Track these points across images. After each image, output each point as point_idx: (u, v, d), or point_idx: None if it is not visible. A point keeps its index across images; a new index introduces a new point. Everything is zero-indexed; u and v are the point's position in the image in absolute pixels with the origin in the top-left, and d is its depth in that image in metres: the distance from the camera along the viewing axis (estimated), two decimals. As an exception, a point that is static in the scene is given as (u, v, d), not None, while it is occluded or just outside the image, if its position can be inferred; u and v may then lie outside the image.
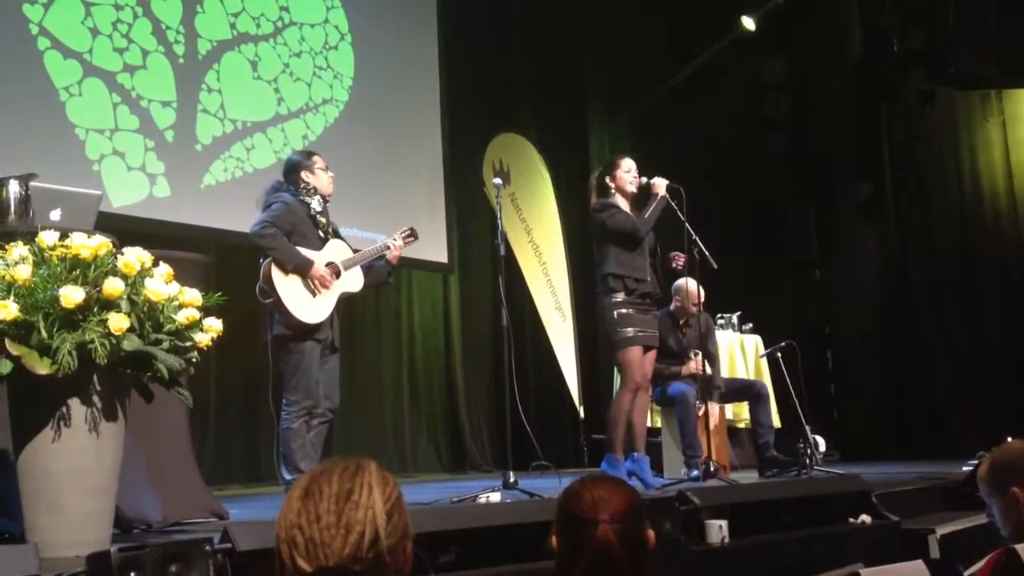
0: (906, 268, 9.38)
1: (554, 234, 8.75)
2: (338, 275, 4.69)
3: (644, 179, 5.50)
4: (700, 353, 6.01)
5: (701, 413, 5.83)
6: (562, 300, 8.70)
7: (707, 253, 5.54)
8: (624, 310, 5.31)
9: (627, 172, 5.48)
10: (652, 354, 5.49)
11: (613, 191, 5.45)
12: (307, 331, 4.57)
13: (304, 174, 4.75)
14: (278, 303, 4.52)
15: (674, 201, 5.49)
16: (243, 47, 7.10)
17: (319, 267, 4.60)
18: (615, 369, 7.08)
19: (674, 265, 5.59)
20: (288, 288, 4.54)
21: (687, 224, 5.49)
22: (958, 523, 4.70)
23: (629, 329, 5.30)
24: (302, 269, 4.56)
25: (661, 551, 2.03)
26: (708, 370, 5.99)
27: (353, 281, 4.79)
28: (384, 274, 4.98)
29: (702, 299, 6.00)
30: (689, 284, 6.00)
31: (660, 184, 5.47)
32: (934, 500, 5.40)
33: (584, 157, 9.43)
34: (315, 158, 4.82)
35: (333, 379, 4.73)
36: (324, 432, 4.69)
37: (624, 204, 5.47)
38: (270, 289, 4.52)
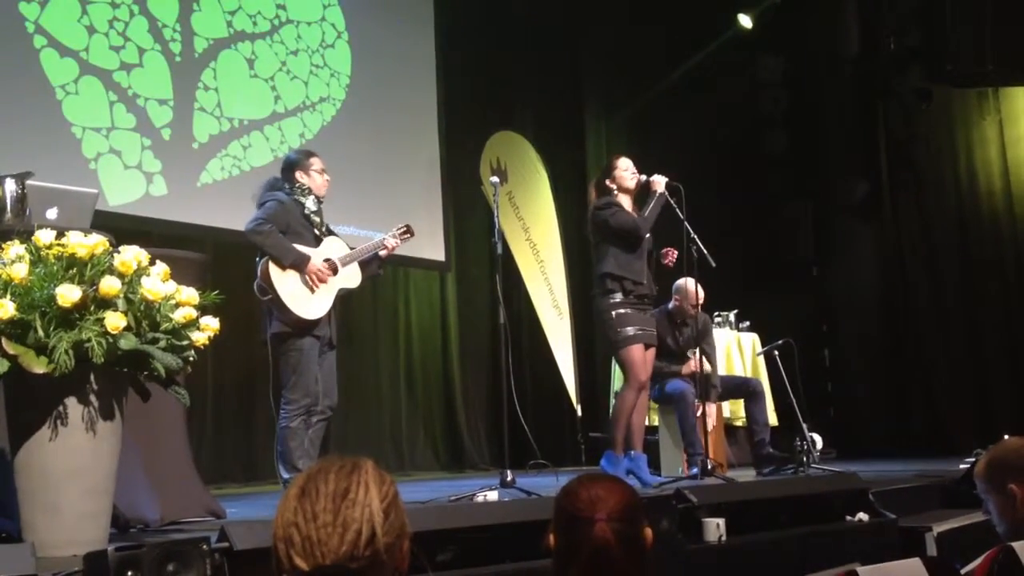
0: (903, 266, 9.39)
1: (551, 232, 8.75)
2: (335, 271, 4.70)
3: (643, 176, 5.50)
4: (698, 352, 6.02)
5: (699, 413, 5.84)
6: (559, 298, 8.71)
7: (705, 251, 5.54)
8: (622, 310, 5.32)
9: (625, 170, 5.49)
10: (652, 352, 5.50)
11: (615, 191, 5.46)
12: (306, 327, 4.57)
13: (299, 174, 4.76)
14: (276, 300, 4.52)
15: (673, 198, 5.49)
16: (240, 45, 7.09)
17: (316, 262, 4.62)
18: (613, 368, 7.12)
19: (666, 262, 5.56)
20: (286, 284, 4.54)
21: (686, 222, 5.48)
22: (955, 521, 4.71)
23: (630, 328, 5.31)
24: (299, 265, 4.57)
25: (658, 549, 2.03)
26: (707, 367, 6.01)
27: (351, 277, 4.80)
28: (375, 267, 5.01)
29: (701, 300, 6.01)
30: (689, 284, 6.00)
31: (660, 181, 5.48)
32: (931, 498, 5.41)
33: (581, 155, 9.43)
34: (313, 160, 4.82)
35: (331, 377, 4.74)
36: (322, 430, 4.69)
37: (627, 201, 5.48)
38: (268, 286, 4.52)
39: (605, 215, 5.39)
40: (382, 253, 4.94)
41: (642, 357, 5.33)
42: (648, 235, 5.47)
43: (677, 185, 5.49)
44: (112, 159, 6.26)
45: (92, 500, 2.98)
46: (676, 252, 5.53)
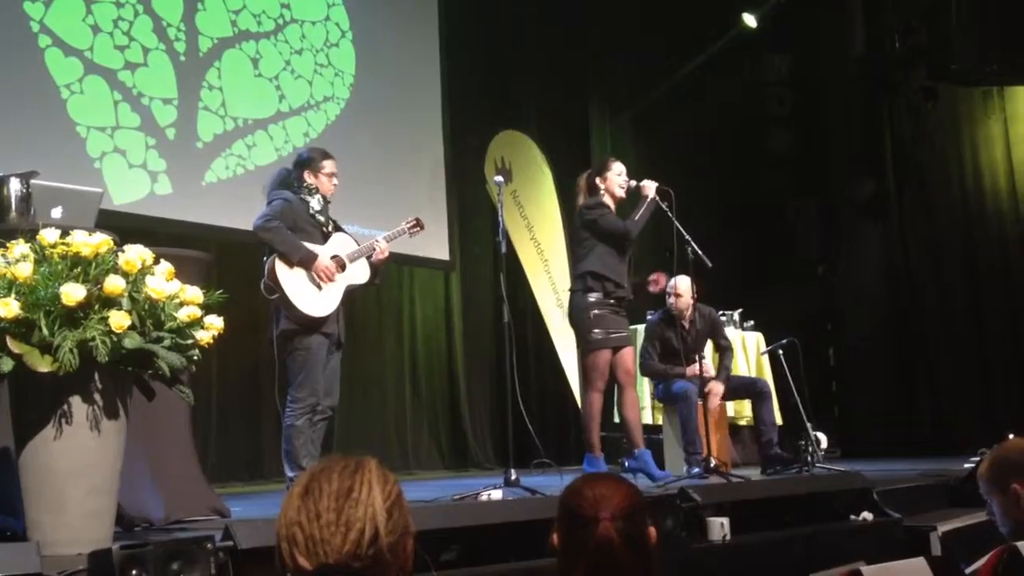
0: (908, 265, 9.37)
1: (555, 231, 8.76)
2: (343, 267, 4.70)
3: (633, 182, 5.52)
4: (703, 358, 6.02)
5: (707, 390, 5.85)
6: (563, 297, 8.69)
7: (700, 252, 5.56)
8: (598, 311, 5.34)
9: (618, 175, 5.49)
10: (629, 351, 5.49)
11: (603, 192, 5.47)
12: (314, 325, 4.57)
13: (307, 174, 4.75)
14: (283, 298, 4.52)
15: (664, 203, 5.50)
16: (244, 44, 7.10)
17: (323, 260, 4.62)
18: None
19: (654, 290, 5.59)
20: (293, 282, 4.55)
21: (677, 224, 5.50)
22: (960, 520, 4.70)
23: (599, 331, 5.33)
24: (307, 262, 4.57)
25: (662, 548, 2.02)
26: (712, 372, 6.02)
27: (359, 273, 4.79)
28: (372, 277, 4.91)
29: (693, 295, 6.03)
30: (679, 280, 6.01)
31: (650, 186, 5.50)
32: (936, 497, 5.40)
33: (586, 154, 9.42)
34: (325, 163, 4.78)
35: (334, 377, 4.73)
36: (323, 430, 4.69)
37: (612, 206, 5.48)
38: (275, 285, 4.52)
39: (594, 215, 5.41)
40: (374, 259, 4.83)
41: (606, 362, 5.36)
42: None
43: (667, 190, 5.50)
44: (117, 158, 6.27)
45: (97, 499, 2.98)
46: (664, 280, 5.54)
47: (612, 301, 5.37)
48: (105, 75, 6.28)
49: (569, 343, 8.61)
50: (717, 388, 6.04)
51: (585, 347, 5.42)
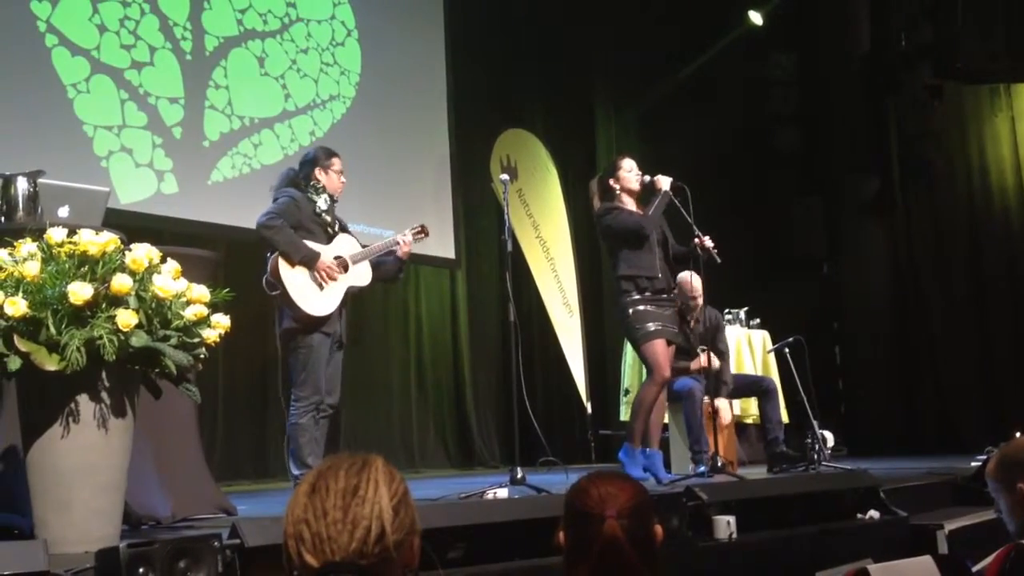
0: (914, 263, 9.35)
1: (561, 230, 8.75)
2: (346, 268, 4.71)
3: (647, 177, 5.50)
4: (707, 349, 6.00)
5: (710, 411, 5.83)
6: (569, 296, 8.70)
7: (712, 251, 5.54)
8: (640, 307, 5.32)
9: (629, 172, 5.47)
10: (672, 349, 5.49)
11: (618, 192, 5.46)
12: (315, 324, 4.58)
13: (318, 171, 4.77)
14: (285, 296, 4.53)
15: (678, 198, 5.48)
16: (250, 43, 7.11)
17: (326, 259, 4.62)
18: (623, 366, 7.12)
19: (699, 250, 5.51)
20: (295, 281, 4.55)
21: (691, 221, 5.48)
22: (967, 518, 4.70)
23: (650, 324, 5.30)
24: (309, 261, 4.58)
25: (668, 547, 2.03)
26: (716, 365, 6.00)
27: (361, 275, 4.81)
28: (394, 271, 5.00)
29: (699, 291, 5.99)
30: (684, 276, 5.98)
31: (664, 181, 5.48)
32: (943, 495, 5.39)
33: (591, 153, 9.43)
34: (334, 160, 4.83)
35: (336, 376, 4.74)
36: (325, 428, 4.70)
37: (631, 203, 5.47)
38: (277, 282, 4.54)
39: (608, 220, 5.40)
40: (399, 253, 4.91)
41: (664, 352, 5.33)
42: (660, 228, 5.46)
43: (682, 185, 5.48)
44: (123, 157, 6.28)
45: (104, 497, 2.99)
46: (704, 241, 5.47)
47: (652, 296, 5.36)
48: (112, 74, 6.29)
49: (575, 341, 8.62)
50: (726, 409, 6.04)
51: (637, 343, 5.39)
